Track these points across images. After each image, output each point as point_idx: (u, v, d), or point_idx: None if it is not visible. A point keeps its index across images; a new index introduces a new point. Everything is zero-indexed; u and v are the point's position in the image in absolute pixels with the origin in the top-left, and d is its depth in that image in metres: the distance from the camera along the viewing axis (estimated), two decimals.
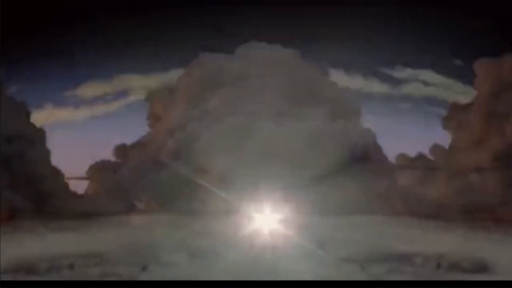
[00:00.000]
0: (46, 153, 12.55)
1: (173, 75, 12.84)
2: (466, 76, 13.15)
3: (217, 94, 12.61)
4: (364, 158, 12.13)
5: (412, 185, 12.74)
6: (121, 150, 13.68)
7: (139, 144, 13.63)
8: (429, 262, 7.37)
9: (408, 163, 13.36)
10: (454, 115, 13.51)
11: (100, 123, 13.35)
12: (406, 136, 12.78)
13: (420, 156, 13.55)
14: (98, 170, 13.46)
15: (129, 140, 13.45)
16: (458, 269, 7.09)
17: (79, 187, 13.11)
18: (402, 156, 13.56)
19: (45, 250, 7.62)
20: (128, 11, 11.46)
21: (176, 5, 11.01)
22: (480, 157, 12.67)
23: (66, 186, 12.51)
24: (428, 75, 13.36)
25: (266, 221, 9.11)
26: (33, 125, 12.47)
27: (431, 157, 13.42)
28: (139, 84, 13.91)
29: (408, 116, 12.73)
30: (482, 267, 7.12)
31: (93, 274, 6.60)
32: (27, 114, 12.53)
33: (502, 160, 12.24)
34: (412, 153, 13.45)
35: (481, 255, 7.65)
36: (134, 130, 13.22)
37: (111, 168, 13.40)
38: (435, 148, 13.52)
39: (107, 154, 13.41)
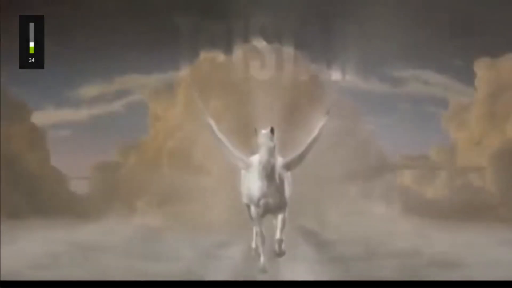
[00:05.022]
0: (46, 153, 12.57)
1: (173, 75, 12.83)
2: (466, 76, 13.11)
3: (216, 95, 12.62)
4: (364, 157, 12.15)
5: (412, 185, 12.76)
6: (121, 150, 13.68)
7: (139, 144, 13.64)
8: (429, 261, 7.38)
9: (408, 163, 13.37)
10: (454, 115, 13.50)
11: (100, 123, 13.26)
12: (406, 136, 12.74)
13: (420, 156, 13.55)
14: (98, 170, 13.46)
15: (129, 140, 13.42)
16: (457, 268, 7.10)
17: (79, 187, 13.10)
18: (402, 156, 13.57)
19: (45, 248, 7.67)
20: (128, 10, 11.46)
21: (176, 5, 11.02)
22: (480, 157, 12.68)
23: (66, 186, 12.52)
24: (428, 75, 13.29)
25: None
26: (33, 125, 12.48)
27: (431, 157, 13.42)
28: (139, 84, 13.87)
29: (408, 116, 12.67)
30: (481, 266, 7.14)
31: (94, 271, 6.63)
32: (28, 114, 12.53)
33: (502, 160, 12.26)
34: (412, 153, 13.44)
35: (480, 254, 7.67)
36: (134, 130, 13.15)
37: (111, 168, 13.40)
38: (435, 148, 13.52)
39: (107, 154, 13.40)
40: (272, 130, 4.07)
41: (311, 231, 9.65)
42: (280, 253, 4.59)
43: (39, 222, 10.28)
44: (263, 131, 4.04)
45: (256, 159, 4.21)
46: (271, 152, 4.01)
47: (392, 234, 9.22)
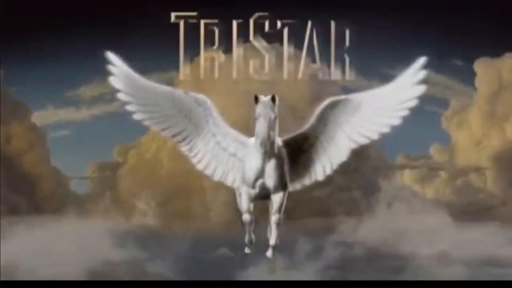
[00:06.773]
0: (47, 153, 12.57)
1: (173, 75, 12.82)
2: (466, 76, 13.09)
3: (216, 94, 12.63)
4: (364, 157, 12.15)
5: (412, 185, 12.77)
6: (121, 150, 13.69)
7: (139, 144, 13.64)
8: (430, 261, 7.38)
9: (408, 162, 13.38)
10: (454, 115, 13.50)
11: (100, 123, 13.26)
12: (406, 136, 12.74)
13: (420, 156, 13.55)
14: (98, 170, 13.46)
15: (129, 140, 13.41)
16: (457, 268, 7.11)
17: (79, 187, 13.11)
18: (402, 156, 13.57)
19: (44, 248, 7.66)
20: (127, 10, 11.47)
21: (175, 5, 11.03)
22: (480, 157, 12.69)
23: (66, 186, 12.53)
24: (428, 75, 13.31)
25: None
26: (34, 125, 12.49)
27: (431, 157, 13.43)
28: None
29: (408, 116, 12.64)
30: (481, 266, 7.15)
31: (93, 270, 6.63)
32: (28, 114, 12.54)
33: (502, 160, 12.26)
34: (412, 153, 13.45)
35: (480, 254, 7.67)
36: (134, 130, 13.13)
37: (111, 168, 13.41)
38: (435, 148, 13.53)
39: (107, 154, 13.40)
40: (273, 99, 3.37)
41: (312, 231, 9.64)
42: (273, 253, 3.66)
43: (39, 222, 10.27)
44: (263, 99, 3.34)
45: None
46: (271, 125, 3.24)
47: (392, 234, 9.22)
